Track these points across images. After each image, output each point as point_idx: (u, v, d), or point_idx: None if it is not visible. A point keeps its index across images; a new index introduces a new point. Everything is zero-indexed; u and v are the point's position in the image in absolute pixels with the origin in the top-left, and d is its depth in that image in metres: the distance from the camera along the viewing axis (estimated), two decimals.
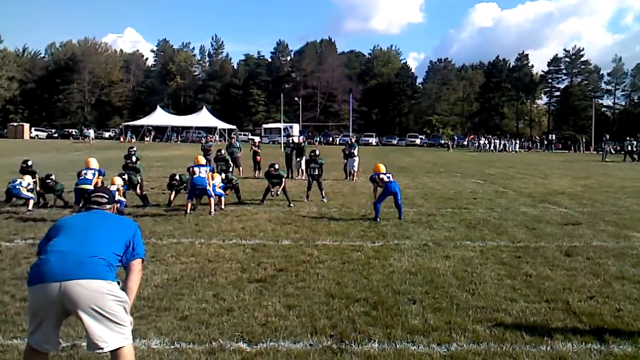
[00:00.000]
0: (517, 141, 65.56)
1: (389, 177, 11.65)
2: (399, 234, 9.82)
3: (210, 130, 60.03)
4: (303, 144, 21.99)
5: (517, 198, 15.41)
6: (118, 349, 3.43)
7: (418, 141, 71.25)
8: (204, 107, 75.66)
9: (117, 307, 3.43)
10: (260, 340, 4.77)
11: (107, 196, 4.07)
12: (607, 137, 45.81)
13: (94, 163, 11.91)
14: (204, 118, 70.85)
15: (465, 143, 66.12)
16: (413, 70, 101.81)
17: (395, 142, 73.51)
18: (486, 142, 60.84)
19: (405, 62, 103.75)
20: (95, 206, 3.96)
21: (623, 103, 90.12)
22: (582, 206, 13.74)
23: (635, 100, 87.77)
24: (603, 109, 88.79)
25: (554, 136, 70.77)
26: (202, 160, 12.72)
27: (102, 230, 3.68)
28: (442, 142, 69.16)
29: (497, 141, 61.77)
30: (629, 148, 41.12)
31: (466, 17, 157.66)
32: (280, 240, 9.09)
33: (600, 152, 41.53)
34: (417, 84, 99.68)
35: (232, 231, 9.91)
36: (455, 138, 69.89)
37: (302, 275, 6.86)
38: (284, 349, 4.58)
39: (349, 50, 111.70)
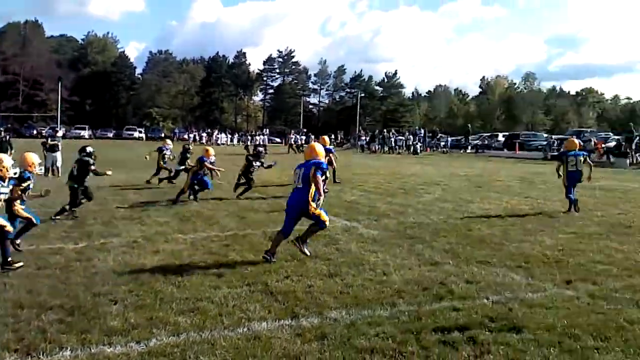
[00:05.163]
0: (236, 135, 68.59)
1: None
2: (106, 232, 9.28)
3: None
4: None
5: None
6: None
7: (137, 134, 68.63)
8: None
9: None
10: None
11: None
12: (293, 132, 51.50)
13: None
14: None
15: (186, 137, 66.56)
16: (132, 60, 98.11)
17: (111, 135, 69.55)
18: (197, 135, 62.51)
19: (124, 51, 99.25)
20: None
21: (327, 101, 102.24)
22: (285, 194, 14.95)
23: (337, 99, 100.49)
24: (310, 106, 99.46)
25: (267, 130, 75.96)
26: None
27: None
28: (163, 135, 68.09)
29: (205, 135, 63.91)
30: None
31: (189, 11, 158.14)
32: None
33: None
34: (136, 74, 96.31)
35: None
36: (177, 132, 69.49)
37: None
38: None
39: (59, 35, 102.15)
